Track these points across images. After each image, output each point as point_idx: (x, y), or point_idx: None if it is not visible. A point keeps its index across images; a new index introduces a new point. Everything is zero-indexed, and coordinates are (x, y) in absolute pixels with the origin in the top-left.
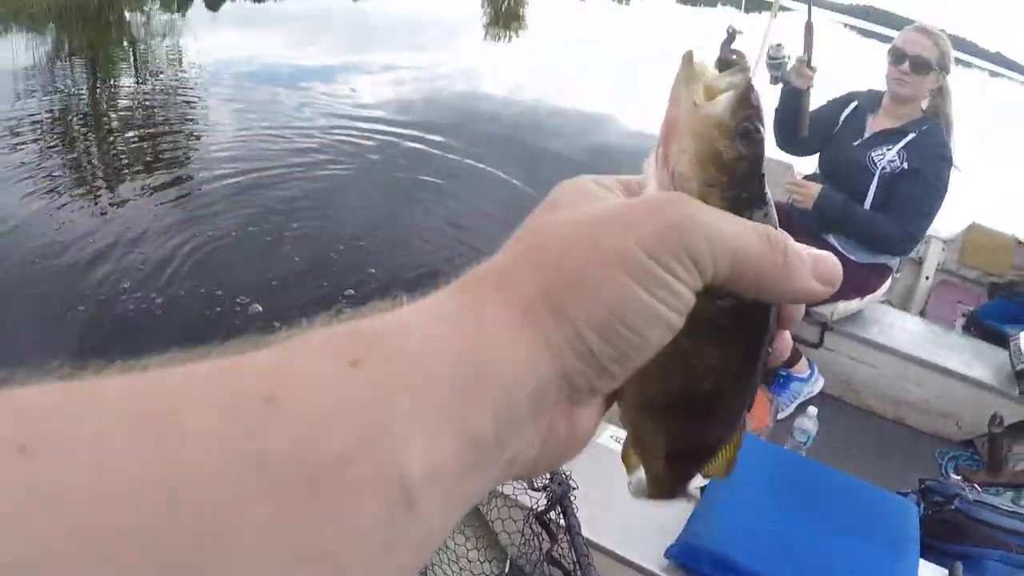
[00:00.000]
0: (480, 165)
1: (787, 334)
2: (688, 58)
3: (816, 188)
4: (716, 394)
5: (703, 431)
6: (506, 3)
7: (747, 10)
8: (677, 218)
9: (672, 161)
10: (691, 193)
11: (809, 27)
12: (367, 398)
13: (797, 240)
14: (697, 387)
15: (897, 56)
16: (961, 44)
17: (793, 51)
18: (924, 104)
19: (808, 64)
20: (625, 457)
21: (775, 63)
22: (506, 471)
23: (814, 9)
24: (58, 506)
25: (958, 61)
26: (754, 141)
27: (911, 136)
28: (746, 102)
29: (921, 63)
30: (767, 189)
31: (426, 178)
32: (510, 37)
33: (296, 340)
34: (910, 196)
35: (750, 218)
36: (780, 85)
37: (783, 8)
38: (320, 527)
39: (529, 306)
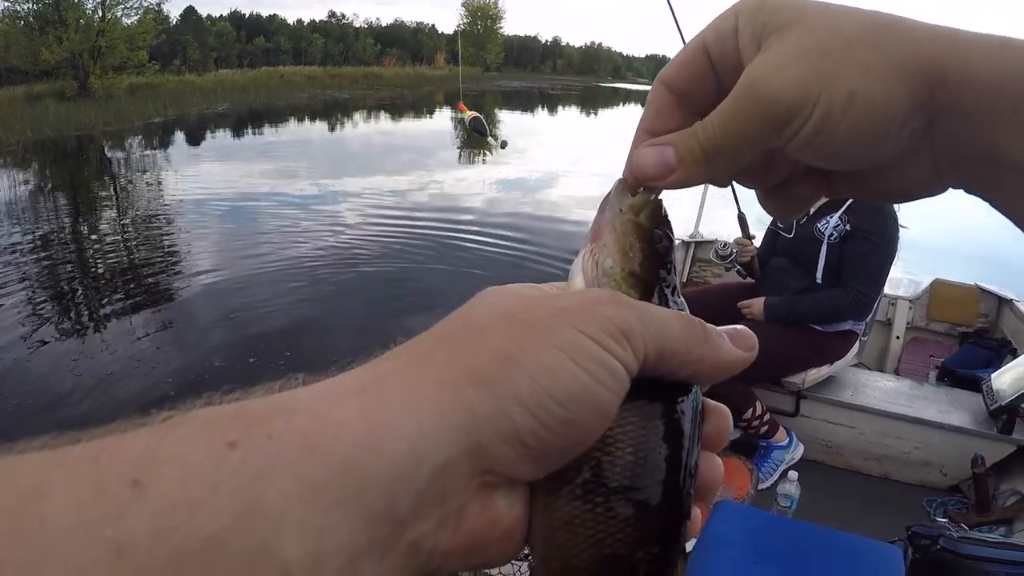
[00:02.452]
0: (461, 271)
1: (718, 460)
2: (622, 182)
3: (759, 303)
4: (638, 504)
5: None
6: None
7: None
8: (609, 302)
9: (597, 254)
10: (612, 279)
11: (741, 217)
12: (242, 479)
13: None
14: (615, 496)
15: None
16: None
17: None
18: None
19: (746, 236)
20: None
21: (726, 260)
22: (411, 557)
23: None
24: None
25: None
26: (663, 240)
27: (850, 201)
28: (658, 212)
29: None
30: (676, 281)
31: (409, 288)
32: (484, 157)
33: (174, 421)
34: (855, 255)
35: (664, 300)
36: (735, 269)
37: None
38: None
39: (446, 380)
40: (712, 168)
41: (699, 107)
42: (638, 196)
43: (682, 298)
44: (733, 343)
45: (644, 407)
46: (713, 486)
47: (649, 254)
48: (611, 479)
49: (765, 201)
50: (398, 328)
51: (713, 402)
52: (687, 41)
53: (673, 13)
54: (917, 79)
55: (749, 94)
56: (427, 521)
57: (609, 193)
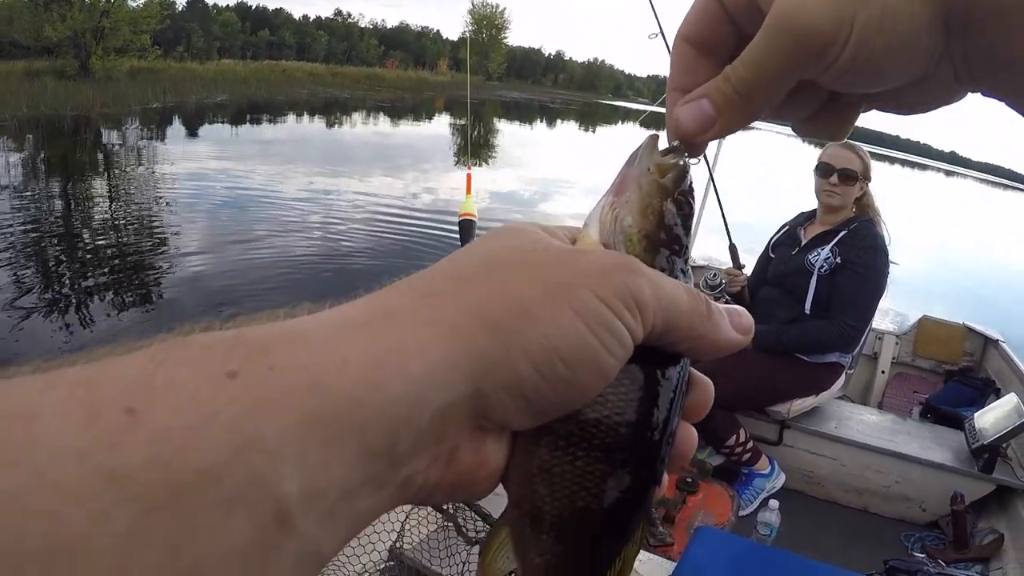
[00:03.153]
0: None
1: (693, 431)
2: (654, 138)
3: None
4: (616, 465)
5: (599, 504)
6: (476, 132)
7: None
8: (627, 270)
9: (618, 209)
10: (628, 238)
11: (732, 247)
12: (241, 411)
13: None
14: (597, 453)
15: (825, 170)
16: (916, 148)
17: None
18: (852, 209)
19: (736, 266)
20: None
21: (715, 290)
22: (402, 491)
23: (771, 127)
24: None
25: (914, 165)
26: (685, 206)
27: (842, 234)
28: (683, 177)
29: (848, 174)
30: (689, 251)
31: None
32: (480, 164)
33: (172, 345)
34: (844, 288)
35: (673, 268)
36: (724, 299)
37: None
38: (181, 544)
39: (458, 323)
40: (750, 108)
41: (721, 54)
42: (667, 157)
43: (689, 268)
44: (733, 324)
45: (636, 372)
46: (686, 454)
47: (668, 219)
48: (593, 436)
49: (806, 128)
50: None
51: (699, 374)
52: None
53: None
54: None
55: (783, 27)
56: (422, 459)
57: (639, 147)
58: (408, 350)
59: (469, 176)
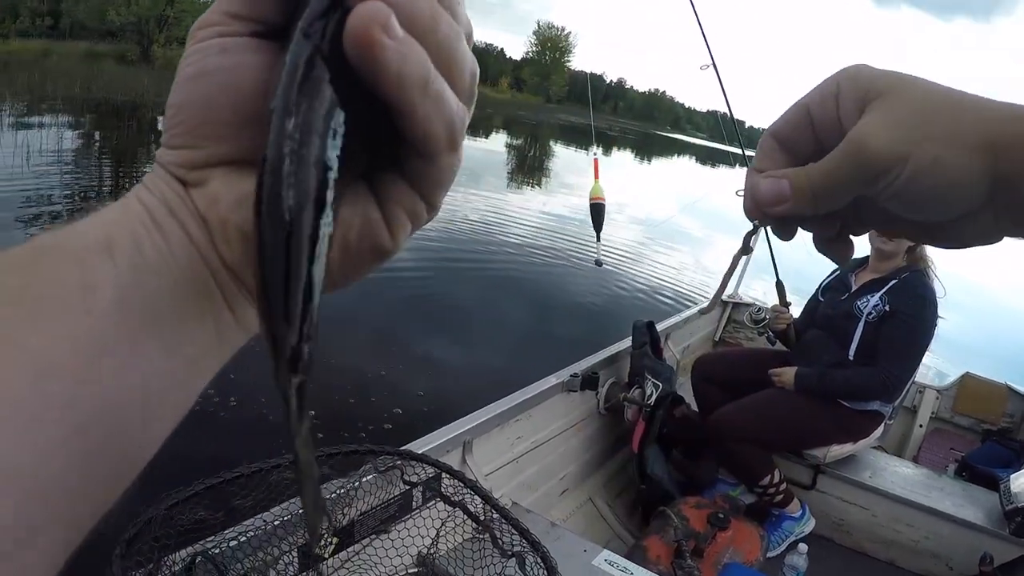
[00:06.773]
0: (486, 303)
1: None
2: None
3: (791, 373)
4: None
5: None
6: (531, 153)
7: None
8: None
9: None
10: None
11: (779, 284)
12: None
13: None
14: None
15: None
16: None
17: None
18: (904, 259)
19: (783, 303)
20: None
21: (759, 324)
22: None
23: None
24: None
25: None
26: None
27: (893, 282)
28: None
29: None
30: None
31: (433, 302)
32: (533, 185)
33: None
34: (891, 338)
35: None
36: (767, 335)
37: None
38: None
39: None
40: (815, 204)
41: (797, 153)
42: None
43: None
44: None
45: None
46: None
47: None
48: None
49: (823, 247)
50: (413, 341)
51: None
52: (791, 103)
53: (720, 80)
54: (981, 148)
55: (853, 151)
56: None
57: None
58: None
59: (596, 161)
